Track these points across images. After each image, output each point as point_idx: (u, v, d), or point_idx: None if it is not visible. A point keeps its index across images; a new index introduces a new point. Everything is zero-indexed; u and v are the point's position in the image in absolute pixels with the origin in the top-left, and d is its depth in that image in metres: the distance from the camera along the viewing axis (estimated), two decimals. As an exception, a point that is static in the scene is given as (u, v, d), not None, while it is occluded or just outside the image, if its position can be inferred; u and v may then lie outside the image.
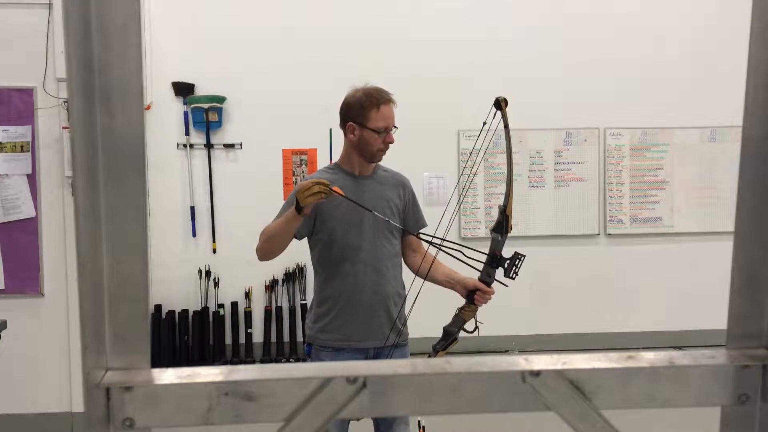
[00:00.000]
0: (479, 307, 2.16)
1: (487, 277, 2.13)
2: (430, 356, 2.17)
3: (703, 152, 4.34)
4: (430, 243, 2.13)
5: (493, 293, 2.15)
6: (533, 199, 4.28)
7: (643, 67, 4.26)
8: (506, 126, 2.07)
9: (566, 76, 4.24)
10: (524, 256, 2.09)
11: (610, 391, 0.68)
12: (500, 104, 2.07)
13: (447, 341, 2.16)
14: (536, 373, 0.66)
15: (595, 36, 4.26)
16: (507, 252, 2.12)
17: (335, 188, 2.05)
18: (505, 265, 2.10)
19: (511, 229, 2.12)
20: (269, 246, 2.24)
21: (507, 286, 2.11)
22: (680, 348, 3.91)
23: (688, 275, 4.32)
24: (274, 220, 2.26)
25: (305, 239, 2.35)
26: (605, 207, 4.32)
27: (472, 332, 2.15)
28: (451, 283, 2.25)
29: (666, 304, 4.31)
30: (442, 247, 2.13)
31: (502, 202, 2.12)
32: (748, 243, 0.71)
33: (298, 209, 2.07)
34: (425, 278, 2.27)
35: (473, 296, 2.15)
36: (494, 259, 2.11)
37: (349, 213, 2.26)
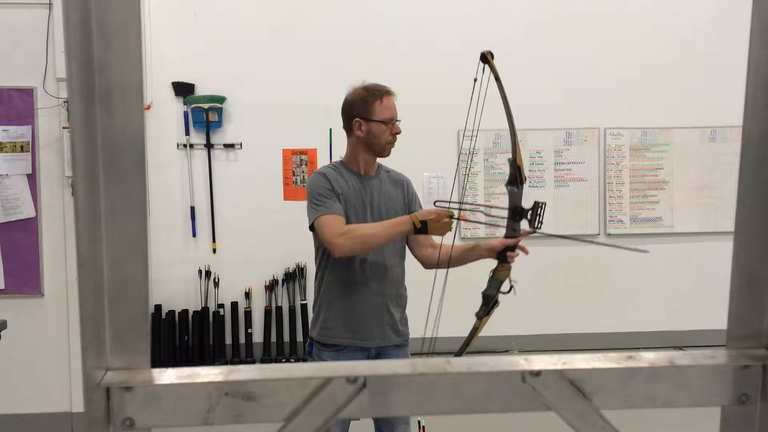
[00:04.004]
0: (512, 265, 2.13)
1: (512, 232, 2.10)
2: (476, 322, 2.13)
3: (703, 152, 4.34)
4: (448, 208, 2.10)
5: (521, 247, 2.13)
6: (533, 198, 4.27)
7: (643, 67, 4.26)
8: (497, 78, 2.05)
9: (566, 76, 4.24)
10: (545, 203, 2.05)
11: (610, 391, 0.68)
12: (486, 57, 2.06)
13: (489, 306, 2.12)
14: (536, 373, 0.66)
15: (595, 36, 4.26)
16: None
17: (461, 216, 2.12)
18: (528, 216, 2.06)
19: (526, 179, 2.10)
20: (366, 248, 2.20)
21: (537, 231, 2.05)
22: (680, 348, 3.91)
23: (688, 275, 4.31)
24: (323, 213, 2.20)
25: (310, 234, 2.34)
26: (605, 207, 4.32)
27: (507, 292, 2.11)
28: (476, 252, 2.23)
29: (666, 304, 4.31)
30: (462, 210, 2.12)
31: (510, 156, 2.09)
32: (748, 243, 0.71)
33: (420, 229, 2.10)
34: (449, 265, 2.21)
35: (504, 255, 2.12)
36: (516, 212, 2.08)
37: (356, 213, 2.27)
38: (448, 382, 0.67)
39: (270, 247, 4.07)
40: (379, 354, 2.31)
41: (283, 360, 4.06)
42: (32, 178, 3.82)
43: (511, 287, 2.11)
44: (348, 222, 2.24)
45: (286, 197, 4.13)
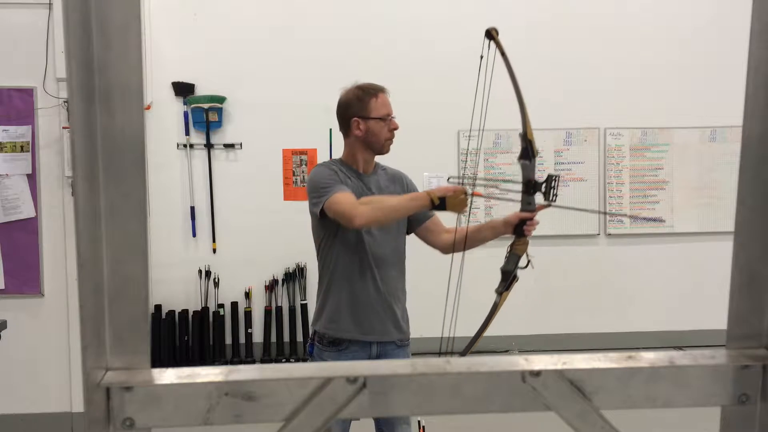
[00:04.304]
0: (529, 239, 2.14)
1: (527, 206, 2.11)
2: (496, 298, 2.13)
3: (703, 152, 4.33)
4: (462, 184, 2.10)
5: (537, 221, 2.15)
6: (536, 202, 4.27)
7: (643, 67, 4.26)
8: (503, 54, 2.07)
9: (566, 76, 4.24)
10: (558, 176, 2.07)
11: (610, 391, 0.68)
12: (491, 34, 2.07)
13: (508, 281, 2.12)
14: (536, 373, 0.66)
15: (595, 36, 4.26)
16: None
17: (475, 192, 2.13)
18: (542, 189, 2.07)
19: (538, 152, 2.11)
20: (386, 218, 2.18)
21: (552, 205, 2.07)
22: (680, 348, 3.91)
23: (688, 275, 4.31)
24: (336, 191, 2.17)
25: (310, 233, 2.35)
26: (605, 207, 4.31)
27: (525, 267, 2.12)
28: (492, 228, 2.24)
29: (666, 304, 4.31)
30: (476, 186, 2.14)
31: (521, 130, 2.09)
32: (748, 243, 0.71)
33: (438, 206, 2.07)
34: (465, 247, 2.22)
35: (521, 229, 2.13)
36: (530, 186, 2.09)
37: None
38: (448, 382, 0.67)
39: (270, 247, 4.07)
40: (380, 354, 2.31)
41: (283, 360, 4.05)
42: (32, 178, 3.82)
43: (529, 261, 2.11)
44: None
45: (286, 197, 4.13)
